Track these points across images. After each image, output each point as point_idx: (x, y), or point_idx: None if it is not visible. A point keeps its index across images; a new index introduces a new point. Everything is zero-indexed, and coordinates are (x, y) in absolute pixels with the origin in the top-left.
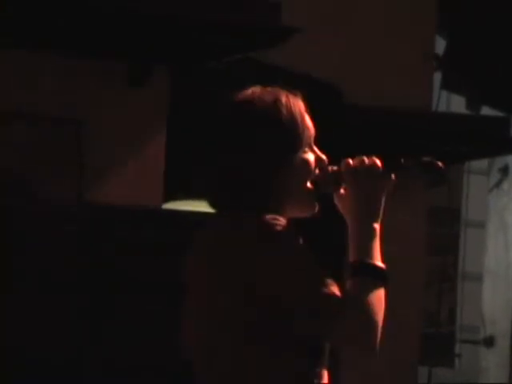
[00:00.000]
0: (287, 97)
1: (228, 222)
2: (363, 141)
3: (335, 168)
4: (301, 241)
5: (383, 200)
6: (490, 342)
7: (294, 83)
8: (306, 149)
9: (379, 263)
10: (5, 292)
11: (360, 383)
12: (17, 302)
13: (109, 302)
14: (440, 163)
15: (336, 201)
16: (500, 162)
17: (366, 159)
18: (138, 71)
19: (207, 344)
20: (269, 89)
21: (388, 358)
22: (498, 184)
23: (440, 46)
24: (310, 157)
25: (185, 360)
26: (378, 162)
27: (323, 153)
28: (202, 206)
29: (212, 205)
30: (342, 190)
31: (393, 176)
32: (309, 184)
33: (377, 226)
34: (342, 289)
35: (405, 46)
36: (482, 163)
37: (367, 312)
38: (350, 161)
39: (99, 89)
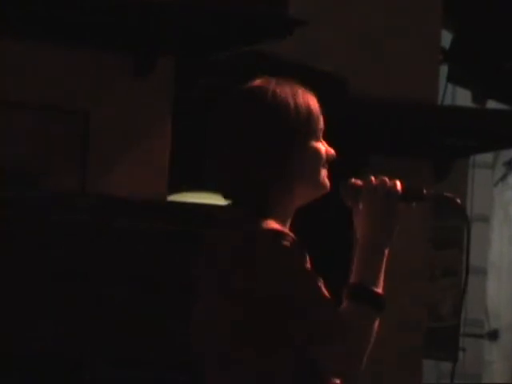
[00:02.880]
0: (302, 89)
1: (230, 224)
2: (368, 134)
3: (358, 182)
4: (305, 254)
5: (397, 226)
6: (494, 335)
7: (300, 76)
8: (317, 140)
9: (379, 291)
10: (4, 282)
11: (364, 376)
12: (16, 293)
13: (111, 294)
14: (459, 201)
15: (354, 215)
16: (505, 155)
17: (387, 180)
18: (143, 62)
19: (212, 343)
20: (282, 80)
21: (392, 352)
22: (503, 178)
23: (446, 39)
24: (322, 147)
25: (193, 356)
26: (399, 187)
27: (331, 146)
28: (208, 198)
29: (224, 194)
30: (360, 206)
31: (413, 205)
32: (322, 172)
33: (386, 251)
34: (336, 302)
35: (411, 40)
36: (487, 157)
37: (358, 339)
38: (373, 178)
39: (104, 79)
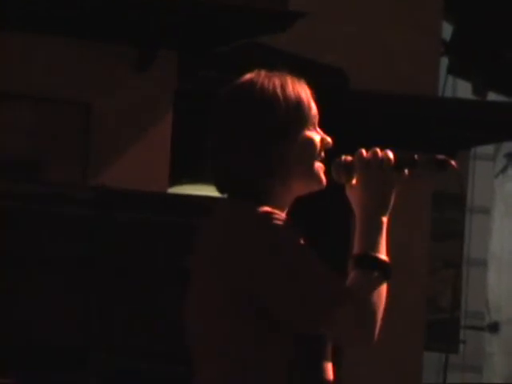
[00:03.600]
0: (292, 79)
1: (228, 210)
2: (369, 125)
3: (349, 158)
4: (299, 233)
5: (393, 195)
6: (494, 328)
7: (301, 68)
8: (311, 128)
9: (383, 257)
10: (4, 274)
11: (364, 369)
12: (20, 286)
13: (113, 286)
14: (453, 162)
15: (347, 191)
16: (506, 147)
17: (379, 152)
18: (145, 55)
19: (204, 332)
20: (273, 71)
21: (393, 344)
22: (504, 170)
23: (447, 31)
24: (316, 136)
25: (188, 346)
26: (392, 156)
27: (328, 136)
28: (208, 190)
29: (219, 185)
30: (353, 181)
31: (405, 171)
32: (317, 162)
33: (385, 219)
34: (344, 280)
35: (411, 32)
36: (488, 149)
37: (368, 304)
38: (364, 152)
39: (106, 72)
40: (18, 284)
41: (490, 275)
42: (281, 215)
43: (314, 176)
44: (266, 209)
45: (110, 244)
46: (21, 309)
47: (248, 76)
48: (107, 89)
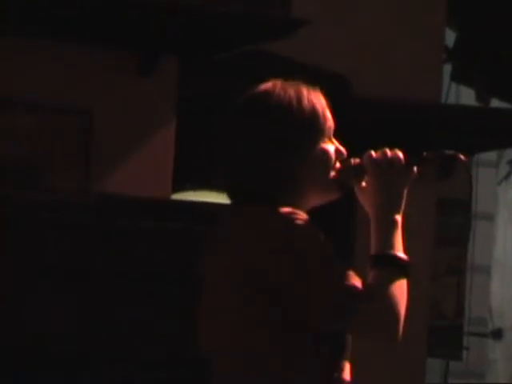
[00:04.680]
0: (308, 89)
1: (247, 213)
2: (372, 133)
3: (357, 160)
4: (321, 234)
5: (405, 193)
6: (497, 334)
7: (304, 75)
8: (327, 140)
9: (401, 254)
10: (3, 281)
11: (368, 375)
12: (18, 293)
13: (114, 293)
14: (463, 156)
15: (357, 193)
16: (509, 154)
17: (388, 152)
18: (147, 61)
19: (223, 337)
20: (290, 81)
21: (395, 350)
22: (507, 176)
23: (450, 38)
24: (331, 148)
25: (199, 352)
26: (401, 155)
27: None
28: (212, 197)
29: (232, 196)
30: (363, 183)
31: (415, 169)
32: (331, 173)
33: (399, 218)
34: (363, 281)
35: (414, 39)
36: (491, 156)
37: (390, 301)
38: (373, 153)
39: (107, 79)
40: (17, 291)
41: (493, 282)
42: (302, 214)
43: (328, 189)
44: (288, 209)
45: (111, 251)
46: (19, 315)
47: (263, 87)
48: (108, 95)
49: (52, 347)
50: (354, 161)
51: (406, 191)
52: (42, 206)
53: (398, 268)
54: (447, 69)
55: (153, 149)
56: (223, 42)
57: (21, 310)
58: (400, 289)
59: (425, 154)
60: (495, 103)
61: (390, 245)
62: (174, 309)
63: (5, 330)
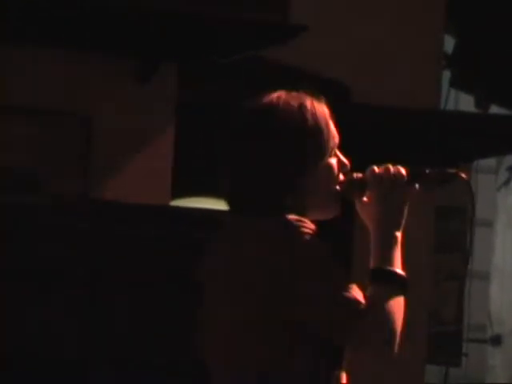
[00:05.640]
0: (312, 102)
1: (254, 222)
2: (372, 139)
3: (360, 175)
4: (326, 245)
5: (406, 209)
6: (497, 340)
7: (303, 81)
8: (330, 153)
9: (399, 271)
10: (4, 285)
11: (367, 381)
12: (17, 299)
13: (113, 299)
14: (464, 175)
15: (358, 207)
16: (508, 160)
17: (391, 167)
18: (147, 68)
19: (226, 343)
20: (293, 93)
21: (396, 358)
22: (507, 183)
23: (449, 44)
24: (333, 162)
25: (197, 359)
26: (403, 171)
27: (344, 157)
28: (211, 204)
29: (234, 207)
30: (365, 198)
31: (417, 186)
32: (335, 187)
33: (399, 234)
34: (363, 294)
35: (413, 45)
36: (490, 162)
37: (387, 316)
38: (376, 168)
39: (107, 84)
40: (16, 297)
41: (492, 288)
42: (310, 225)
43: (329, 206)
44: (295, 217)
45: (110, 257)
46: (19, 321)
47: (267, 100)
48: (107, 101)
49: (51, 352)
50: (357, 175)
51: (406, 208)
52: (41, 212)
53: (396, 284)
54: (446, 75)
55: (152, 155)
56: (223, 48)
57: (20, 314)
58: (397, 305)
59: (427, 171)
60: (494, 109)
61: (389, 261)
62: (174, 315)
63: (5, 331)
